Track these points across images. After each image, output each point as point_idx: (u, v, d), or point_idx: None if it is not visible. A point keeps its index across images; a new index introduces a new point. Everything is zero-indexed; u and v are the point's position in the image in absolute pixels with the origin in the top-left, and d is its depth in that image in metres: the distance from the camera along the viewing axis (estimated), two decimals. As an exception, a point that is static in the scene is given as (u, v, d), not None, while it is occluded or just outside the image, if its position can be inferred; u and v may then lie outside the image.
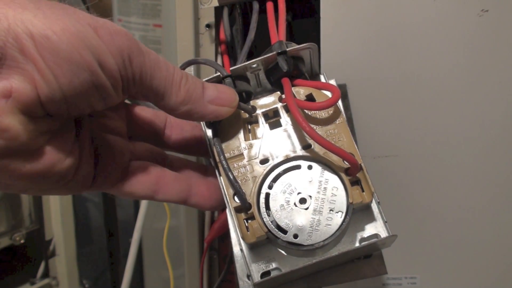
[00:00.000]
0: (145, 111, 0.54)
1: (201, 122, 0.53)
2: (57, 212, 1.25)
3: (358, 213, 0.49)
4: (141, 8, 0.94)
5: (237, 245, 0.50)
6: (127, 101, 0.53)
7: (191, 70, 0.72)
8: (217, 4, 0.66)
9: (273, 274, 0.48)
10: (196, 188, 0.52)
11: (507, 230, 0.70)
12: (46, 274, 1.29)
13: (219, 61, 0.71)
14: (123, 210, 1.28)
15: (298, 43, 0.52)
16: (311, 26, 0.68)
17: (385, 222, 0.49)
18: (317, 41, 0.66)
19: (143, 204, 0.88)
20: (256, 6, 0.61)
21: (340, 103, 0.51)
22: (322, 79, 0.55)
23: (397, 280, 0.72)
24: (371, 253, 0.51)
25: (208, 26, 0.75)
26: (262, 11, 0.61)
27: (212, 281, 0.87)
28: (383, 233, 0.49)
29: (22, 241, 1.25)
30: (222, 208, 0.52)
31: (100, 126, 0.48)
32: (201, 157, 0.59)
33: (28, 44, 0.36)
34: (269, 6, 0.60)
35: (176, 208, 0.91)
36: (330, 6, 0.66)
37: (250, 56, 0.58)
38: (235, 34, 0.67)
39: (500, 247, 0.71)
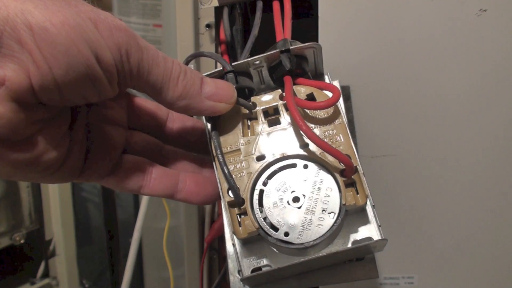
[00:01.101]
0: (148, 103, 0.54)
1: (202, 116, 0.53)
2: (57, 212, 1.25)
3: (353, 215, 0.49)
4: (141, 8, 0.94)
5: (230, 240, 0.50)
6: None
7: (190, 65, 0.73)
8: (217, 4, 0.66)
9: (262, 270, 0.48)
10: (183, 184, 0.52)
11: (504, 230, 0.70)
12: (46, 274, 1.29)
13: (219, 61, 0.71)
14: (123, 210, 1.28)
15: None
16: (310, 26, 0.68)
17: (379, 226, 0.49)
18: (316, 41, 0.66)
19: (143, 204, 0.88)
20: (259, 4, 0.61)
21: (341, 104, 0.51)
22: (326, 79, 0.55)
23: (395, 280, 0.72)
24: (364, 256, 0.51)
25: (208, 26, 0.75)
26: (264, 10, 0.61)
27: (212, 281, 0.87)
28: (376, 237, 0.49)
29: (22, 241, 1.25)
30: (213, 203, 0.52)
31: (99, 115, 0.49)
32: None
33: (25, 35, 0.36)
34: (276, 4, 0.60)
35: (176, 208, 0.92)
36: (328, 6, 0.65)
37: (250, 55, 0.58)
38: (235, 34, 0.67)
39: (497, 246, 0.71)
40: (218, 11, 0.73)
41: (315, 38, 0.67)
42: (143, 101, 0.54)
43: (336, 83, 0.55)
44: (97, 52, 0.39)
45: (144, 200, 0.88)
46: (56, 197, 1.24)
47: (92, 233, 1.37)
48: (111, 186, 0.51)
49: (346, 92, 0.66)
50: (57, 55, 0.37)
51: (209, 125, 0.52)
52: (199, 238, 0.87)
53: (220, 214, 0.84)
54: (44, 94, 0.38)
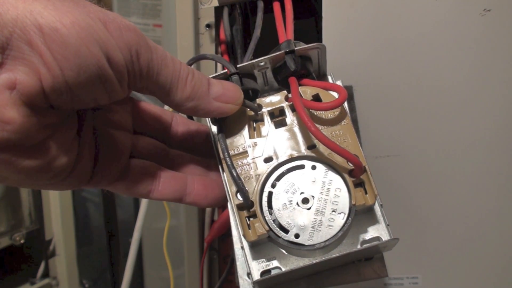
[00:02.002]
0: (153, 107, 0.54)
1: (207, 119, 0.53)
2: (57, 212, 1.25)
3: (360, 215, 0.49)
4: (141, 8, 0.94)
5: (238, 243, 0.50)
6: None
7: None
8: (217, 4, 0.66)
9: (273, 272, 0.48)
10: (192, 187, 0.52)
11: (508, 230, 0.70)
12: (46, 274, 1.29)
13: (219, 61, 0.71)
14: (123, 210, 1.28)
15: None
16: (311, 26, 0.68)
17: (387, 225, 0.49)
18: (318, 42, 0.66)
19: (143, 204, 0.88)
20: (261, 4, 0.61)
21: (346, 104, 0.51)
22: (330, 79, 0.55)
23: (399, 280, 0.72)
24: (372, 256, 0.51)
25: (208, 26, 0.75)
26: (265, 11, 0.61)
27: (212, 281, 0.87)
28: (385, 236, 0.48)
29: (22, 241, 1.25)
30: (220, 205, 0.52)
31: (105, 120, 0.48)
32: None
33: (35, 36, 0.35)
34: (276, 5, 0.60)
35: (176, 208, 0.92)
36: (332, 7, 0.65)
37: (243, 55, 0.58)
38: (235, 34, 0.67)
39: (501, 246, 0.71)
40: (218, 11, 0.73)
41: (315, 38, 0.67)
42: (148, 105, 0.53)
43: (339, 83, 0.54)
44: (108, 53, 0.38)
45: (144, 200, 0.88)
46: (56, 197, 1.24)
47: (92, 233, 1.37)
48: (120, 192, 0.51)
49: (349, 92, 0.66)
50: (68, 57, 0.36)
51: (214, 128, 0.52)
52: (199, 238, 0.87)
53: (220, 215, 0.84)
54: (55, 97, 0.38)
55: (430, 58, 0.65)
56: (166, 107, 0.56)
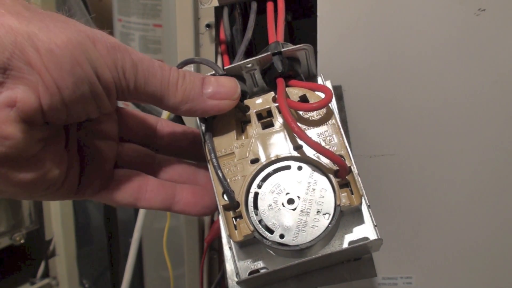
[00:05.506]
0: (137, 112, 0.54)
1: (196, 118, 0.53)
2: (57, 212, 1.25)
3: (348, 216, 0.49)
4: (141, 8, 0.94)
5: (227, 244, 0.50)
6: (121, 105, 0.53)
7: (191, 68, 0.72)
8: (217, 4, 0.66)
9: (259, 272, 0.48)
10: (180, 195, 0.52)
11: (502, 230, 0.70)
12: (46, 274, 1.30)
13: (219, 61, 0.71)
14: (123, 210, 1.28)
15: (298, 44, 0.52)
16: (311, 26, 0.68)
17: (374, 226, 0.48)
18: (316, 42, 0.66)
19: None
20: (254, 6, 0.61)
21: (334, 104, 0.51)
22: (319, 80, 0.55)
23: (393, 280, 0.72)
24: (361, 256, 0.51)
25: (208, 26, 0.75)
26: (263, 11, 0.61)
27: (212, 281, 0.87)
28: (372, 236, 0.48)
29: (22, 241, 1.26)
30: (212, 213, 0.52)
31: (89, 131, 0.49)
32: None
33: (34, 56, 0.37)
34: (269, 6, 0.60)
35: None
36: (327, 6, 0.65)
37: (249, 56, 0.58)
38: (235, 34, 0.67)
39: (494, 246, 0.71)
40: (218, 11, 0.73)
41: (315, 39, 0.66)
42: (132, 111, 0.54)
43: (328, 84, 0.54)
44: (97, 71, 0.40)
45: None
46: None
47: (92, 233, 1.37)
48: (106, 201, 0.51)
49: (338, 92, 0.66)
50: (64, 75, 0.38)
51: (203, 128, 0.52)
52: (199, 238, 0.87)
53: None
54: (52, 114, 0.39)
55: (423, 57, 0.65)
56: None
